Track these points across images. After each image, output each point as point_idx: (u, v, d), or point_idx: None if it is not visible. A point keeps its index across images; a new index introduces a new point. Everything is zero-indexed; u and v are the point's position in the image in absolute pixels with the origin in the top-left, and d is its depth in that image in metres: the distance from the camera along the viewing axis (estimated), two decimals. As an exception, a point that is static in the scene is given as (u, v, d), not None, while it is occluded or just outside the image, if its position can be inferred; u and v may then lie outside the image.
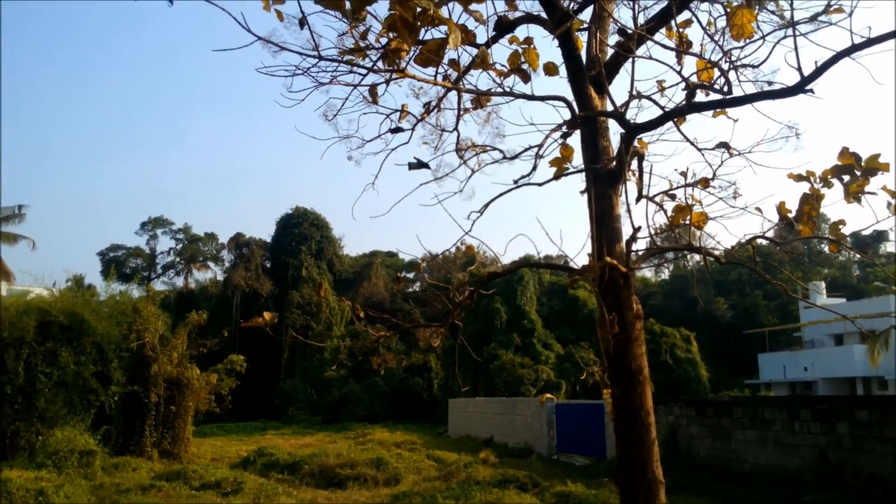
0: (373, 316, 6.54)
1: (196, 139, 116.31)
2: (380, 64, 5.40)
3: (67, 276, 52.72)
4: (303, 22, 5.63)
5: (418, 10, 3.34)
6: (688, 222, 5.87)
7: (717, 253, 5.70)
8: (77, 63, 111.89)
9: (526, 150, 6.05)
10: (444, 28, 4.02)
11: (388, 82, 4.99)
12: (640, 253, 5.75)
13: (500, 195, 6.00)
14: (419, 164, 5.32)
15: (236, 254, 57.99)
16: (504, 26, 5.91)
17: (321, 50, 5.41)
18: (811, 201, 4.96)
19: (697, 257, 6.29)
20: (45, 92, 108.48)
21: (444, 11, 3.49)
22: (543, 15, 5.61)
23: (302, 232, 56.42)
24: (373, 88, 5.03)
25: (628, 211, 5.64)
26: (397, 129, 6.41)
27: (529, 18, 5.76)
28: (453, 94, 6.61)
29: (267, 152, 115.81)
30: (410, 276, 64.81)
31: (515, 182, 5.74)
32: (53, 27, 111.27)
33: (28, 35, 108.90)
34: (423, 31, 4.13)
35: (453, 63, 6.04)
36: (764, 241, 5.71)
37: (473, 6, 3.66)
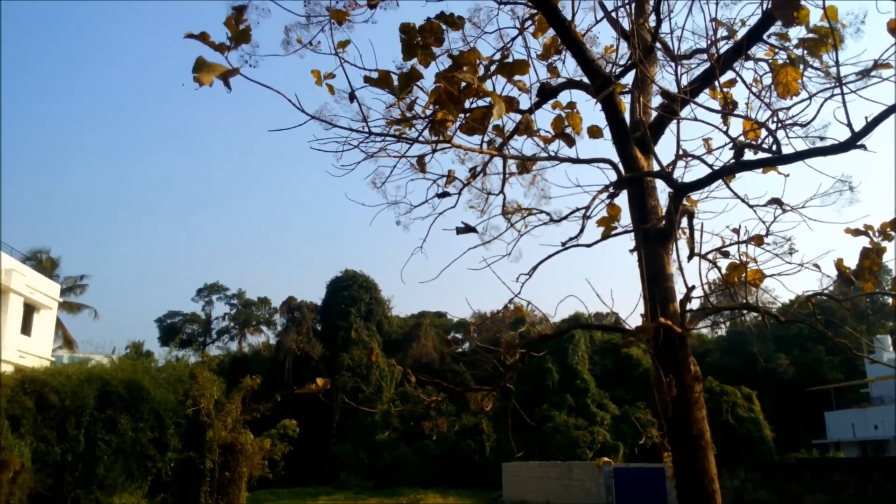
0: (423, 379, 6.54)
1: (249, 205, 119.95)
2: (426, 133, 5.56)
3: (127, 344, 54.27)
4: (352, 96, 5.85)
5: (463, 83, 3.45)
6: (743, 280, 5.76)
7: (775, 311, 5.56)
8: (132, 136, 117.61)
9: (573, 211, 6.07)
10: (488, 98, 4.13)
11: (434, 151, 5.12)
12: (696, 312, 5.65)
13: (548, 257, 6.01)
14: (467, 229, 5.38)
15: (288, 317, 58.82)
16: (547, 92, 6.03)
17: (370, 120, 5.62)
18: (872, 256, 4.82)
19: (755, 314, 6.14)
20: (102, 163, 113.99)
21: (487, 83, 3.60)
22: (585, 80, 5.71)
23: (351, 294, 57.01)
24: (420, 159, 5.16)
25: (680, 269, 5.57)
26: (444, 194, 6.52)
27: (572, 84, 5.87)
28: (499, 159, 6.72)
29: (317, 216, 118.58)
30: (459, 336, 64.50)
31: (563, 244, 5.74)
32: (109, 97, 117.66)
33: (84, 104, 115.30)
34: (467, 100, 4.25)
35: (498, 129, 6.17)
36: (824, 296, 5.56)
37: (516, 77, 3.75)
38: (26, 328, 32.40)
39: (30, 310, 32.82)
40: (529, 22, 6.64)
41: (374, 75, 4.12)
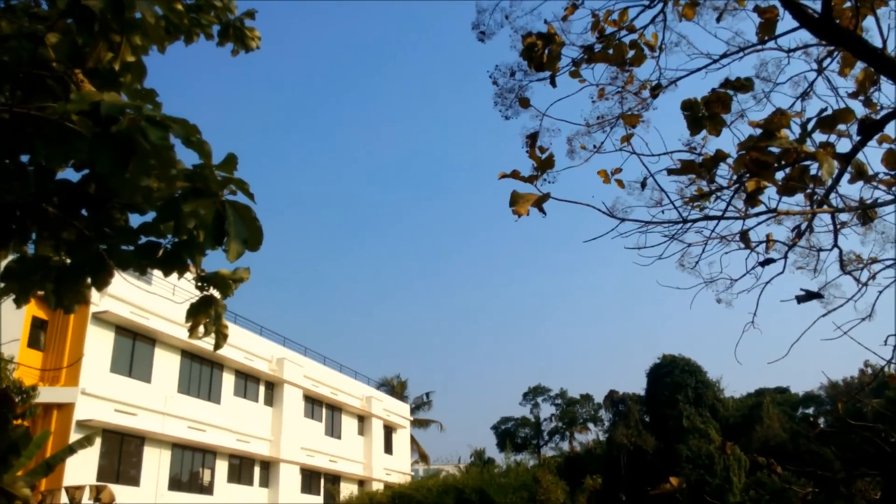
0: (777, 472, 5.88)
1: (561, 307, 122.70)
2: (738, 203, 5.29)
3: (471, 452, 57.84)
4: (644, 184, 5.85)
5: (778, 150, 3.25)
6: None
7: None
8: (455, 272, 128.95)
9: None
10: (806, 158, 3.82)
11: (757, 224, 4.82)
12: None
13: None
14: (809, 296, 4.86)
15: (613, 412, 57.68)
16: (869, 127, 5.38)
17: (664, 204, 5.56)
18: None
19: None
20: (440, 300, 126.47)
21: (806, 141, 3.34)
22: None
23: (674, 380, 54.07)
24: (744, 235, 4.89)
25: None
26: (767, 261, 6.04)
27: (898, 114, 5.16)
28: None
29: (630, 306, 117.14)
30: (809, 411, 57.26)
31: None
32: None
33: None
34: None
35: (817, 179, 5.62)
36: None
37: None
38: (388, 448, 36.72)
39: (389, 431, 37.22)
40: (829, 59, 6.09)
41: (665, 160, 4.10)
